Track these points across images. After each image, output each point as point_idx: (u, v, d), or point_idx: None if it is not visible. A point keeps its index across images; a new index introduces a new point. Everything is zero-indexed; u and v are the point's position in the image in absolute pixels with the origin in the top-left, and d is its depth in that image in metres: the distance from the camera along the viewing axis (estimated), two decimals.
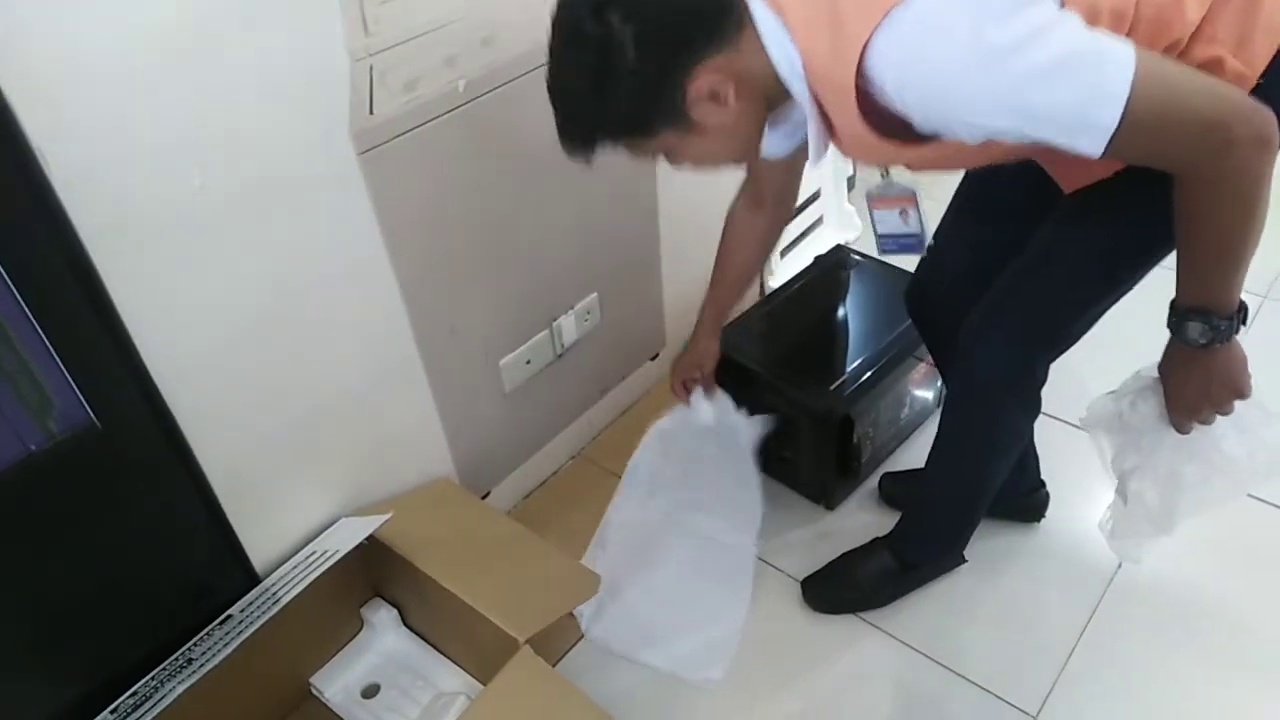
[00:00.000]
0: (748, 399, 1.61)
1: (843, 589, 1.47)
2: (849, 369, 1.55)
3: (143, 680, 1.13)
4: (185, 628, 1.19)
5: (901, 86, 0.81)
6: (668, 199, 1.69)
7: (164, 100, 0.93)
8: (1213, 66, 0.90)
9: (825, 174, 2.24)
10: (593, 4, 0.86)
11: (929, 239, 1.35)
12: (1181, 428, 1.02)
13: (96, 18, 0.86)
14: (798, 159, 1.20)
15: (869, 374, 1.54)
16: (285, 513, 1.28)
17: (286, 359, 1.18)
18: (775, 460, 1.65)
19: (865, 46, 0.79)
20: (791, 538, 1.59)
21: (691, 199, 1.76)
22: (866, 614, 1.46)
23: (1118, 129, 0.77)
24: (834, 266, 1.83)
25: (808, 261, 2.24)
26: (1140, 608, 1.43)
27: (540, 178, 1.42)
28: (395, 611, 1.40)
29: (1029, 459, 1.50)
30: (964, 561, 1.48)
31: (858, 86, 0.82)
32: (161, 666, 1.15)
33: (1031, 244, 1.13)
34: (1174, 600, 1.43)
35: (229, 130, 1.00)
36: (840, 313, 1.75)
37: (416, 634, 1.40)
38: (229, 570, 1.23)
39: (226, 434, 1.14)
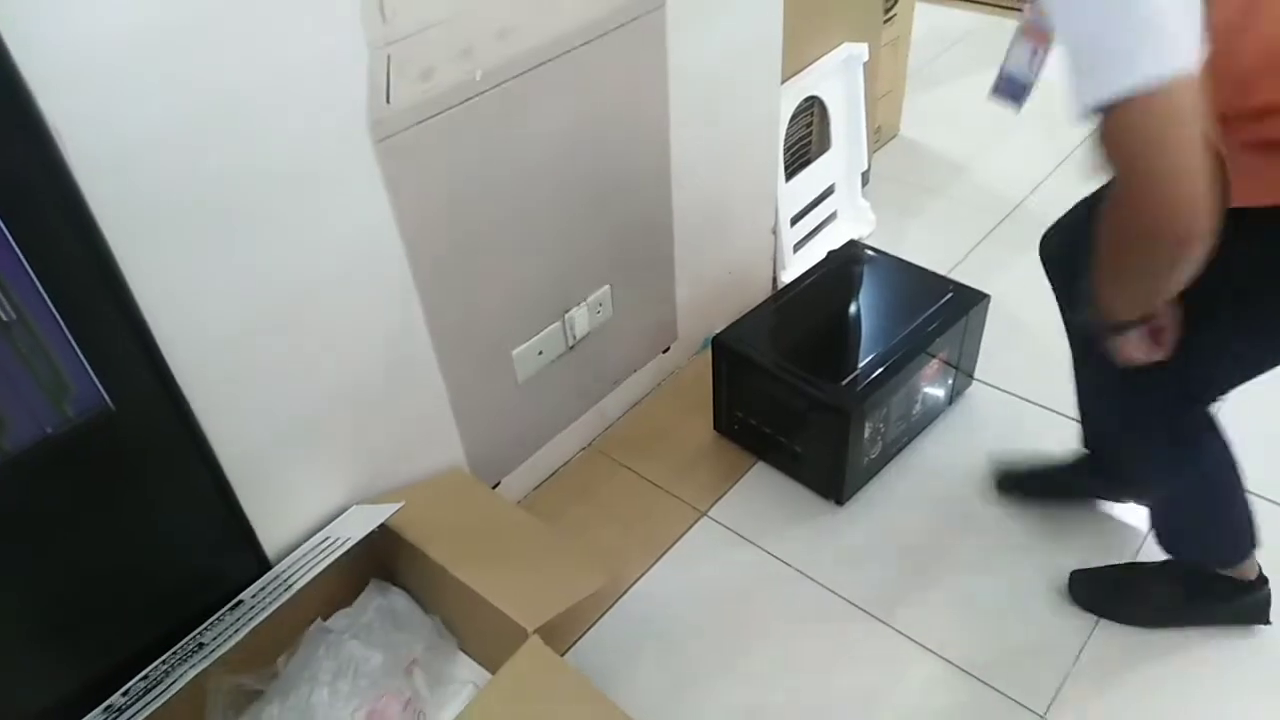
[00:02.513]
0: (756, 394, 1.61)
1: (1133, 605, 1.40)
2: (861, 364, 1.55)
3: (154, 664, 1.14)
4: (196, 612, 1.20)
5: None
6: (681, 192, 1.69)
7: (182, 86, 0.93)
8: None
9: (839, 169, 2.23)
10: None
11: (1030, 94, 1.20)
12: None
13: (116, 2, 0.86)
14: None
15: (881, 369, 1.54)
16: (297, 499, 1.29)
17: (300, 345, 1.18)
18: (786, 456, 1.65)
19: None
20: (800, 532, 1.59)
21: (706, 193, 1.76)
22: (874, 610, 1.46)
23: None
24: (847, 261, 1.83)
25: (821, 256, 2.24)
26: None
27: (554, 169, 1.41)
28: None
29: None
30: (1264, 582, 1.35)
31: None
32: (173, 650, 1.16)
33: None
34: None
35: (246, 117, 1.00)
36: (853, 308, 1.74)
37: None
38: (240, 555, 1.24)
39: (240, 419, 1.15)
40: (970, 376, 1.80)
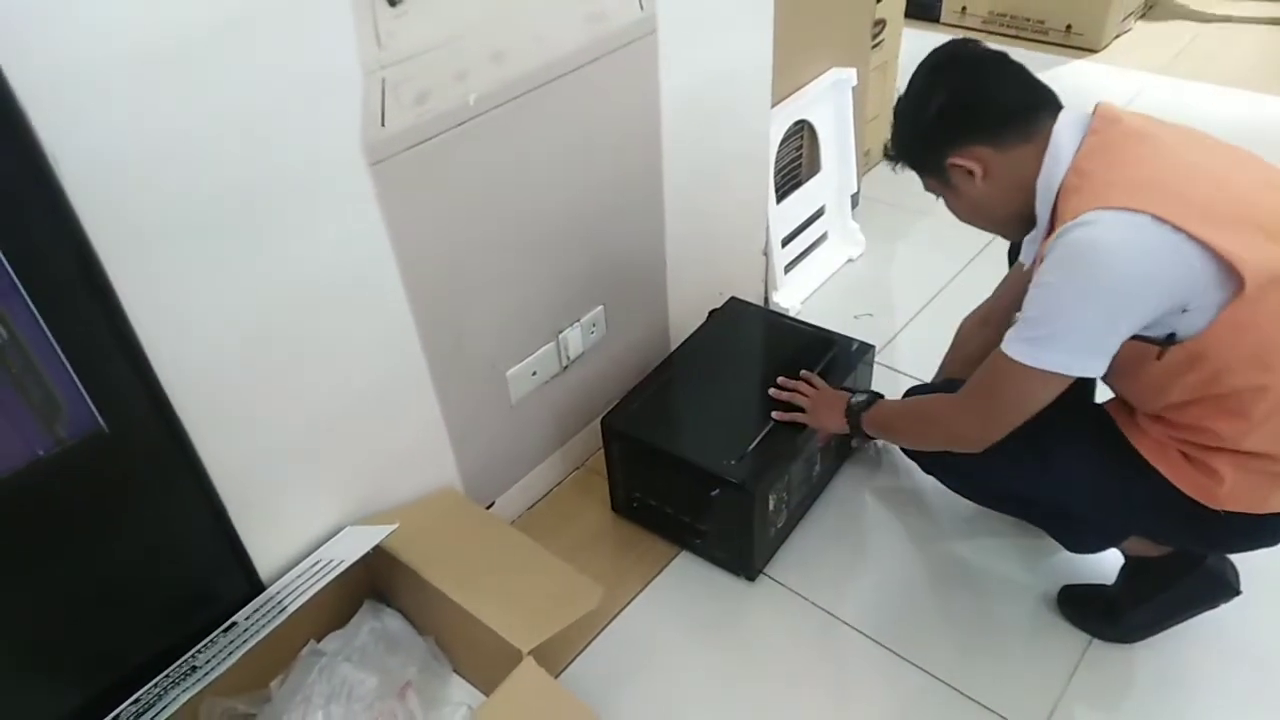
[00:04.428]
0: (656, 478, 1.55)
1: (1112, 623, 1.41)
2: (758, 432, 1.47)
3: (145, 687, 1.13)
4: (189, 635, 1.19)
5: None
6: (674, 214, 1.70)
7: (177, 107, 0.94)
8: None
9: (829, 191, 2.25)
10: (933, 63, 1.19)
11: None
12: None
13: (111, 23, 0.86)
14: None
15: (777, 441, 1.46)
16: (291, 520, 1.29)
17: (295, 366, 1.18)
18: (690, 534, 1.57)
19: (1079, 217, 1.01)
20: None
21: (698, 215, 1.77)
22: (869, 631, 1.45)
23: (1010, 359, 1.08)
24: (730, 322, 1.76)
25: (813, 280, 2.25)
26: None
27: (548, 191, 1.43)
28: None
29: None
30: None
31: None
32: (165, 674, 1.15)
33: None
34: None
35: (241, 139, 1.01)
36: (741, 373, 1.66)
37: None
38: (234, 577, 1.23)
39: (233, 440, 1.15)
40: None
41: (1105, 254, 1.00)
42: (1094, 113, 1.10)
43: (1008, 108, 1.13)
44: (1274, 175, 1.09)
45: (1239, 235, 0.98)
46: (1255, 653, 1.38)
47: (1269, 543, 1.19)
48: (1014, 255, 1.47)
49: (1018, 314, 1.09)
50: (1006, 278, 1.46)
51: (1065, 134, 1.09)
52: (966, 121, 1.14)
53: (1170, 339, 1.04)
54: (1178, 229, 0.97)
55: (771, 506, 1.48)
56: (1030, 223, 1.17)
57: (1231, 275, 0.98)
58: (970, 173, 1.14)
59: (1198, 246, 0.97)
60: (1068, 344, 1.04)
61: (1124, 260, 0.99)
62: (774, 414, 1.48)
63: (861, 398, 1.42)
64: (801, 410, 1.48)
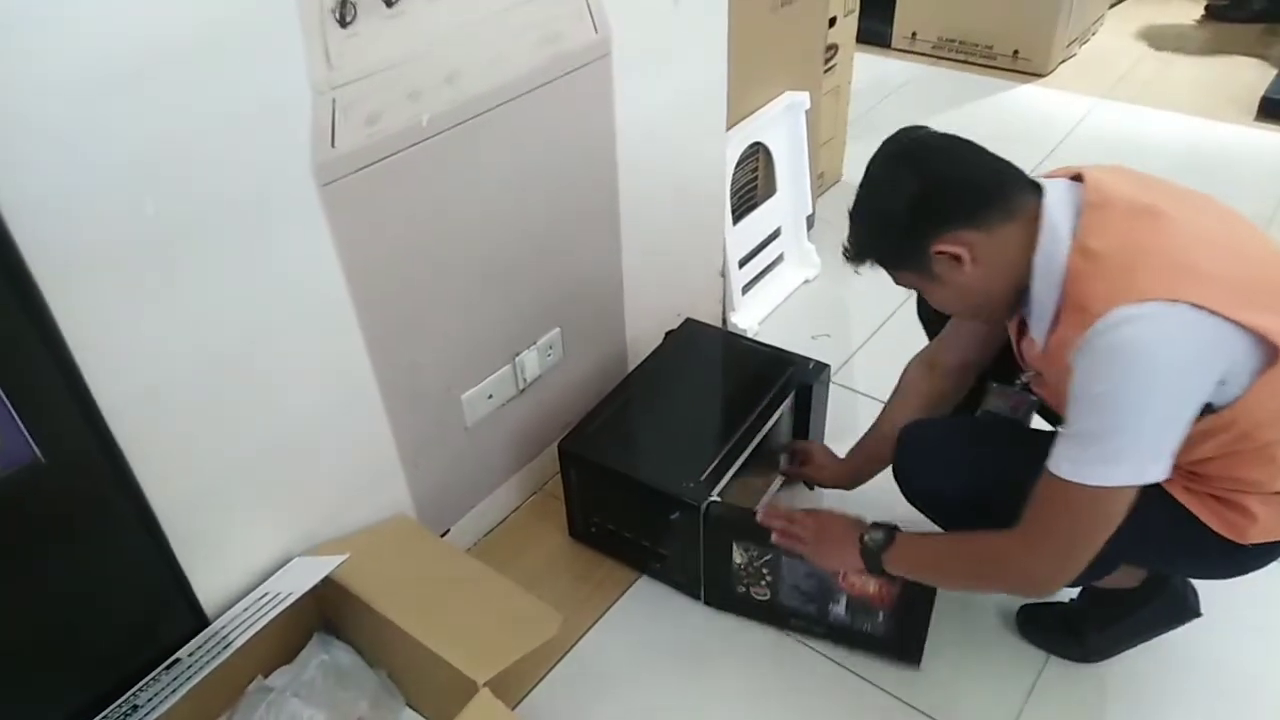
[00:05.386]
0: (615, 502, 1.54)
1: (1074, 642, 1.42)
2: (716, 453, 1.46)
3: None
4: (130, 673, 1.15)
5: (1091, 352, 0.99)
6: (630, 235, 1.70)
7: (118, 129, 0.92)
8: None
9: (785, 213, 2.27)
10: (892, 154, 1.12)
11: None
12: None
13: (49, 43, 0.84)
14: (994, 335, 1.31)
15: (742, 456, 1.46)
16: (237, 552, 1.25)
17: (241, 392, 1.16)
18: (650, 558, 1.55)
19: (1111, 314, 0.96)
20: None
21: (654, 237, 1.77)
22: (828, 652, 1.45)
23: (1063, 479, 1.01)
24: (687, 342, 1.75)
25: (771, 301, 2.27)
26: None
27: (503, 213, 1.42)
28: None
29: None
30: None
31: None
32: (103, 715, 1.10)
33: None
34: None
35: (186, 160, 0.98)
36: (699, 392, 1.67)
37: None
38: (177, 611, 1.19)
39: (177, 469, 1.12)
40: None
41: (1159, 351, 0.96)
42: (1082, 183, 1.06)
43: (983, 187, 1.08)
44: (1261, 233, 1.09)
45: (1268, 309, 0.98)
46: (1209, 668, 1.40)
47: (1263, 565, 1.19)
48: (923, 314, 1.49)
49: (1061, 429, 1.03)
50: (950, 324, 1.40)
51: (1059, 209, 1.05)
52: (946, 206, 1.07)
53: (1206, 409, 1.01)
54: (1214, 313, 0.95)
55: (740, 560, 1.42)
56: (1016, 304, 1.12)
57: (1266, 347, 0.98)
58: (958, 258, 1.07)
59: (1236, 328, 0.96)
60: (1138, 453, 0.99)
61: (1177, 356, 0.96)
62: (774, 537, 1.33)
63: (878, 535, 1.24)
64: (802, 541, 1.32)
